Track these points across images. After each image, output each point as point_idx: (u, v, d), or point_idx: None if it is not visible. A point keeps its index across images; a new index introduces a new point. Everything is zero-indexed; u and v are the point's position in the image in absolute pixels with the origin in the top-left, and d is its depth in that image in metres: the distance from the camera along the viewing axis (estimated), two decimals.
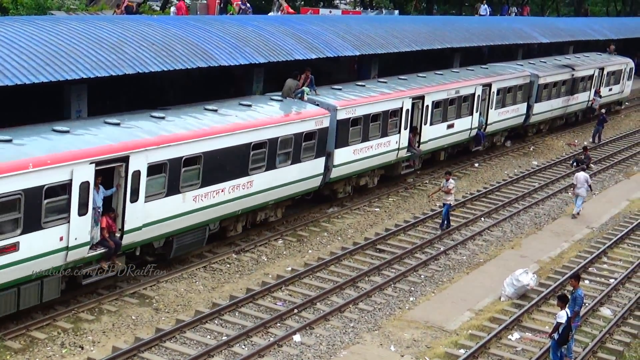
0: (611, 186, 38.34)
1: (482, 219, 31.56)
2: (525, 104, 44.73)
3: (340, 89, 32.26)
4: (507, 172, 39.49)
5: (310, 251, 27.02)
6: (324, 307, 22.53)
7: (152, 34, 27.41)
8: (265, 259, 26.00)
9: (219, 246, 26.28)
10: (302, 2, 77.79)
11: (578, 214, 32.75)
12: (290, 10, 46.43)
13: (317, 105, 29.53)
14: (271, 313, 21.79)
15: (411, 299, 23.75)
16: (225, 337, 20.17)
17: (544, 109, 46.87)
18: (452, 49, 43.78)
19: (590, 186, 33.03)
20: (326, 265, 25.54)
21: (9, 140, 19.50)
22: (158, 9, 54.85)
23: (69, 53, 23.65)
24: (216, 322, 21.17)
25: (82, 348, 19.42)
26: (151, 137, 22.30)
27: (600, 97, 53.87)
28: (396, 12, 72.17)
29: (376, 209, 31.96)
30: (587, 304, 23.09)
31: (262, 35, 31.75)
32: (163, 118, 23.78)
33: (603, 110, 49.67)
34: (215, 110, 25.72)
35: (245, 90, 31.63)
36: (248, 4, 43.39)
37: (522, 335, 21.81)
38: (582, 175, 32.72)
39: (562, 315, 19.10)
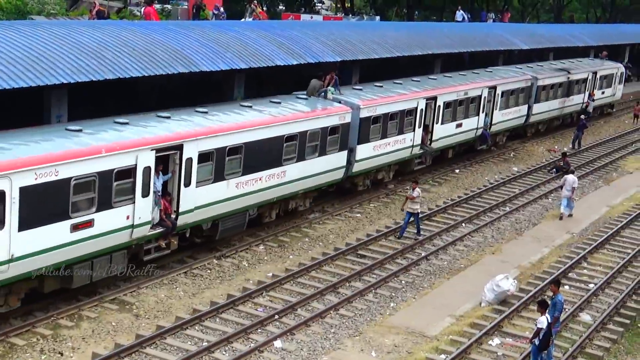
0: (591, 192, 38.51)
1: (463, 224, 31.63)
2: (526, 105, 47.31)
3: (360, 89, 34.64)
4: (487, 178, 39.61)
5: (291, 257, 27.00)
6: (305, 312, 22.50)
7: (132, 39, 27.35)
8: (246, 265, 25.95)
9: (200, 251, 26.20)
10: (284, 8, 78.00)
11: (570, 215, 33.66)
12: (265, 15, 46.27)
13: (340, 102, 31.64)
14: (252, 319, 21.74)
15: (392, 304, 23.76)
16: (206, 343, 20.09)
17: (543, 109, 49.64)
18: (433, 54, 43.90)
19: (574, 189, 33.63)
20: (307, 270, 25.50)
21: (79, 130, 21.85)
22: (139, 14, 54.66)
23: (49, 58, 23.56)
24: (197, 328, 21.09)
25: (62, 354, 19.30)
26: (201, 128, 24.64)
27: (593, 100, 55.96)
28: (377, 18, 72.45)
29: (357, 215, 31.97)
30: (567, 310, 23.18)
31: (243, 40, 31.73)
32: (206, 112, 26.05)
33: (583, 117, 49.97)
34: (250, 107, 27.93)
35: (226, 96, 31.60)
36: (222, 9, 43.46)
37: (502, 340, 21.86)
38: (570, 178, 33.77)
39: (543, 321, 19.17)
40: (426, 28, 50.66)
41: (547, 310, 19.54)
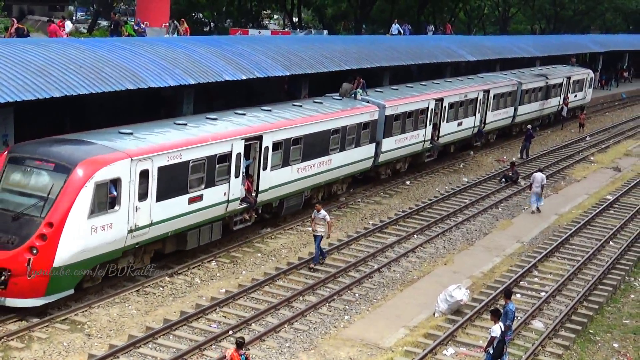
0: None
1: (415, 236, 31.77)
2: (513, 107, 53.15)
3: (381, 92, 39.94)
4: (438, 189, 39.85)
5: (244, 272, 26.88)
6: (259, 327, 22.42)
7: (79, 57, 27.15)
8: (199, 281, 25.79)
9: (152, 269, 25.95)
10: (231, 23, 77.92)
11: (538, 209, 36.56)
12: (188, 31, 45.84)
13: (369, 102, 36.90)
14: (206, 335, 21.59)
15: (346, 317, 23.75)
16: None
17: (526, 111, 55.51)
18: (381, 67, 44.13)
19: (542, 186, 36.48)
20: (260, 285, 25.41)
21: (185, 124, 26.82)
22: (85, 30, 54.26)
23: None
24: (150, 346, 20.89)
25: None
26: (274, 122, 29.90)
27: (567, 105, 62.09)
28: (325, 32, 72.67)
29: (309, 229, 31.88)
30: (519, 318, 23.38)
31: (192, 56, 31.65)
32: (270, 111, 31.07)
33: (529, 127, 50.59)
34: (301, 106, 33.20)
35: (176, 111, 31.44)
36: (143, 25, 43.30)
37: (456, 350, 21.95)
38: (539, 176, 36.62)
39: (496, 330, 19.30)
40: (374, 41, 50.93)
41: (500, 319, 19.69)
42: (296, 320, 23.03)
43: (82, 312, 22.61)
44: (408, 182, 40.71)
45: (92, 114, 30.41)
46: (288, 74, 35.75)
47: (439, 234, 32.12)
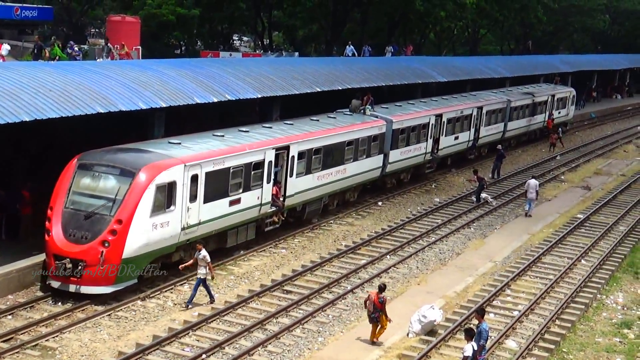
0: (511, 220, 39.13)
1: (388, 256, 31.78)
2: (503, 123, 56.65)
3: (387, 108, 43.60)
4: (410, 210, 39.91)
5: (216, 295, 26.71)
6: (233, 351, 22.28)
7: (49, 80, 27.04)
8: (172, 305, 25.61)
9: (124, 293, 25.76)
10: (202, 46, 77.89)
11: (530, 215, 39.70)
12: (131, 54, 45.38)
13: (377, 117, 40.43)
14: (179, 359, 21.42)
15: (320, 339, 23.67)
16: None
17: (514, 127, 59.23)
18: (352, 89, 44.24)
19: (537, 192, 39.83)
20: (233, 308, 25.29)
21: (223, 135, 29.93)
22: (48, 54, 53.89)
23: None
24: None
25: None
26: (299, 133, 33.26)
27: (553, 119, 65.38)
28: (296, 53, 72.82)
29: (282, 250, 31.88)
30: (492, 337, 23.40)
31: (163, 79, 31.60)
32: (293, 124, 34.52)
33: (500, 146, 50.94)
34: (317, 120, 36.49)
35: (147, 134, 31.31)
36: (76, 48, 43.03)
37: None
38: (532, 182, 39.79)
39: (468, 349, 19.35)
40: (345, 63, 51.11)
41: (474, 338, 19.71)
42: (270, 343, 22.93)
43: (53, 337, 22.37)
44: (380, 203, 40.75)
45: (64, 137, 30.23)
46: (259, 95, 35.77)
47: (412, 254, 32.16)
